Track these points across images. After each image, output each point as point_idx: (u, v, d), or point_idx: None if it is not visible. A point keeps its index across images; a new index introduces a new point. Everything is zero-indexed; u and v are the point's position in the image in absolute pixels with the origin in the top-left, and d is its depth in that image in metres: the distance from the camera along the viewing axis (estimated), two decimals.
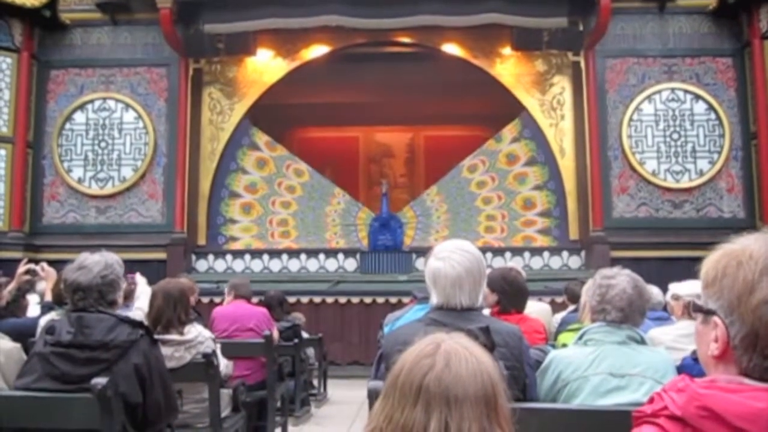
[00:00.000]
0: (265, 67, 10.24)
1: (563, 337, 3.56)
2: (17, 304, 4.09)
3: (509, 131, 10.31)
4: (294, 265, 9.72)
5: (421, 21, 9.08)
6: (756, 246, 1.04)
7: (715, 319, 1.04)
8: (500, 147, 10.26)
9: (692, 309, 1.11)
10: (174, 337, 3.55)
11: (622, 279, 2.39)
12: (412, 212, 10.31)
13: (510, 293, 3.33)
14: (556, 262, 9.52)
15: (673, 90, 9.42)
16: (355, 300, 8.78)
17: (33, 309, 4.31)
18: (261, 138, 10.49)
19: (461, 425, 1.03)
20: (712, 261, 1.08)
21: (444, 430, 1.03)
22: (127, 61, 9.85)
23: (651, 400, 1.07)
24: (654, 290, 4.31)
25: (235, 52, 9.94)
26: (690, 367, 2.63)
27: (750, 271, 1.01)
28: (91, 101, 9.83)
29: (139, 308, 3.63)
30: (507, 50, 9.95)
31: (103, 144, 9.77)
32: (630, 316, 2.35)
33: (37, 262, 9.05)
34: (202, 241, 9.98)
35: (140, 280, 3.88)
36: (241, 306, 5.35)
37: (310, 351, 7.12)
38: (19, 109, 9.48)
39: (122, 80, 9.85)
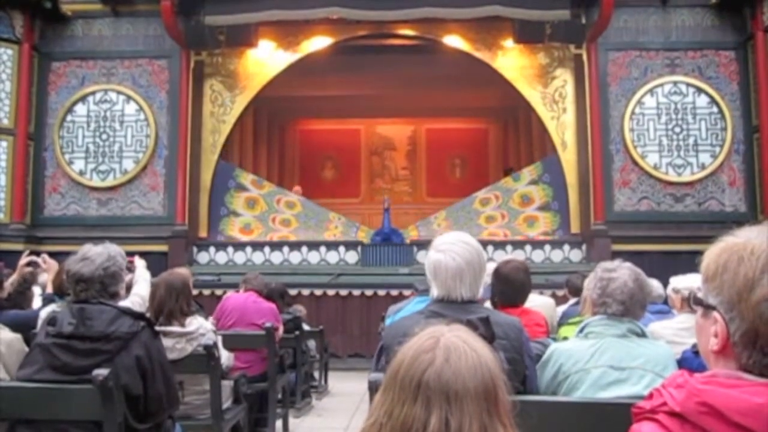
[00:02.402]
0: (266, 59, 10.21)
1: (564, 330, 3.57)
2: (23, 296, 4.08)
3: (529, 172, 10.27)
4: (295, 257, 9.72)
5: (423, 13, 9.04)
6: (758, 241, 1.02)
7: (715, 314, 1.03)
8: (516, 186, 10.19)
9: (693, 301, 1.10)
10: (175, 329, 3.56)
11: (623, 272, 2.39)
12: (417, 231, 10.22)
13: (498, 288, 3.23)
14: (557, 256, 9.51)
15: (675, 83, 9.39)
16: (356, 292, 8.79)
17: (35, 301, 4.32)
18: (246, 178, 10.47)
19: (462, 421, 1.03)
20: (713, 255, 1.06)
21: (444, 426, 1.03)
22: (128, 53, 9.83)
23: (650, 396, 1.06)
24: (655, 284, 4.31)
25: (237, 44, 9.92)
26: (690, 361, 2.63)
27: (751, 268, 1.00)
28: (93, 93, 9.81)
29: (137, 294, 3.59)
30: (509, 43, 9.92)
31: (104, 136, 9.77)
32: (631, 309, 2.35)
33: (38, 254, 9.06)
34: (203, 233, 9.99)
35: (139, 263, 3.80)
36: (251, 298, 5.37)
37: (311, 343, 7.14)
38: (20, 101, 9.47)
39: (123, 72, 9.83)
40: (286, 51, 10.14)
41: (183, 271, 4.40)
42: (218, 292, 8.13)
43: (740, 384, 0.97)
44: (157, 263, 8.23)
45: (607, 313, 2.36)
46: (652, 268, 6.02)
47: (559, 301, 5.76)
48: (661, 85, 9.38)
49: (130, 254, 3.24)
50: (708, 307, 1.05)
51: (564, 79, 9.85)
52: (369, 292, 8.73)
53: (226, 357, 3.95)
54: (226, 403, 3.91)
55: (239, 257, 9.71)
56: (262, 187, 10.52)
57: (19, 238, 9.11)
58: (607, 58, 9.44)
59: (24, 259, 4.11)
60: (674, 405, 1.00)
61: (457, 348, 1.08)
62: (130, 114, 9.75)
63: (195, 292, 5.96)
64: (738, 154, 9.25)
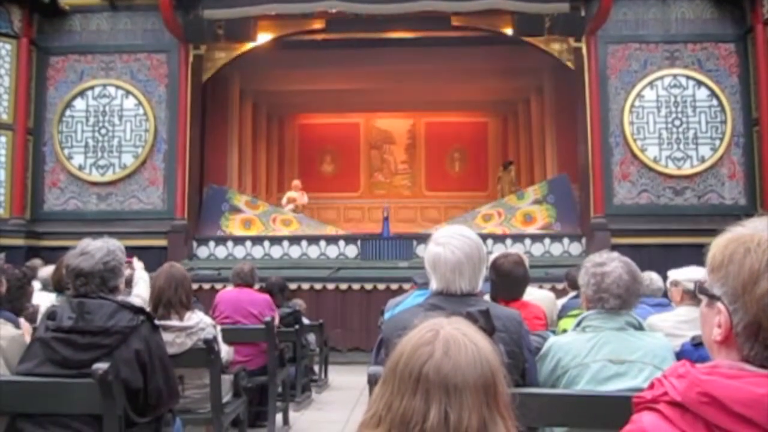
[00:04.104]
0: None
1: (564, 323, 3.57)
2: (22, 290, 4.05)
3: (533, 191, 10.25)
4: (295, 251, 9.72)
5: (422, 6, 9.02)
6: (766, 233, 1.02)
7: (719, 305, 1.03)
8: (520, 205, 10.16)
9: (699, 291, 1.10)
10: (175, 323, 3.56)
11: (615, 265, 2.37)
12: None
13: (498, 283, 3.21)
14: (556, 249, 9.51)
15: (675, 76, 9.36)
16: (355, 286, 8.79)
17: (36, 296, 4.31)
18: (240, 199, 10.48)
19: (461, 414, 1.03)
20: (719, 245, 1.06)
21: (444, 419, 1.02)
22: (127, 47, 9.80)
23: (651, 386, 1.06)
24: (654, 277, 4.31)
25: (236, 38, 9.89)
26: (689, 353, 2.64)
27: (757, 260, 0.99)
28: (91, 88, 9.80)
29: (138, 295, 3.59)
30: (509, 36, 9.88)
31: (103, 131, 9.75)
32: (627, 301, 2.34)
33: (38, 249, 9.07)
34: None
35: (137, 265, 3.80)
36: (244, 291, 5.37)
37: (311, 337, 7.14)
38: (19, 96, 9.45)
39: (122, 66, 9.81)
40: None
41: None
42: (218, 286, 8.13)
43: (742, 375, 0.97)
44: (156, 258, 8.23)
45: (604, 307, 2.35)
46: (651, 261, 6.03)
47: (559, 294, 5.78)
48: (661, 77, 9.36)
49: (129, 252, 3.24)
50: (712, 297, 1.05)
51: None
52: (369, 286, 8.74)
53: (225, 351, 3.96)
54: (226, 397, 3.92)
55: (239, 251, 9.71)
56: (256, 207, 10.53)
57: (19, 233, 9.11)
58: (606, 51, 9.41)
59: None
60: (675, 395, 0.99)
61: (457, 341, 1.07)
62: (129, 108, 9.73)
63: (195, 286, 5.94)
64: (738, 147, 9.24)
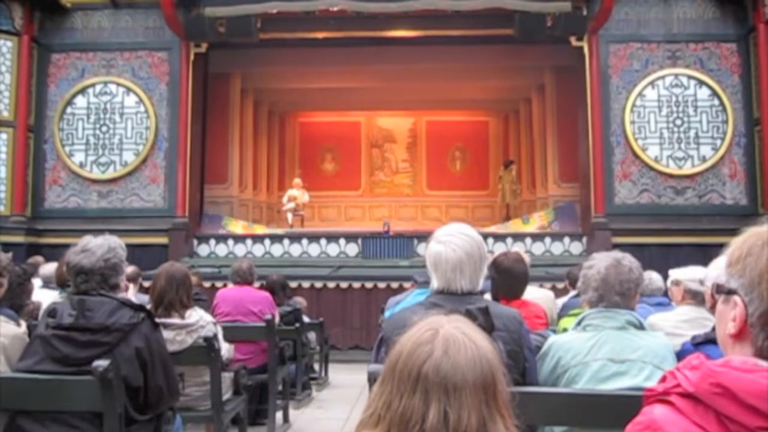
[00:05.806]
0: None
1: (564, 322, 3.57)
2: (23, 287, 4.04)
3: (539, 218, 10.28)
4: (296, 249, 9.72)
5: (424, 5, 9.02)
6: None
7: (735, 298, 1.05)
8: (525, 230, 10.16)
9: (714, 290, 1.12)
10: (175, 320, 3.56)
11: (600, 260, 2.41)
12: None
13: (498, 281, 3.20)
14: (557, 248, 9.51)
15: (676, 76, 9.36)
16: (356, 285, 8.79)
17: (37, 293, 4.30)
18: (236, 225, 10.51)
19: (460, 414, 1.02)
20: (738, 241, 1.08)
21: (443, 418, 1.02)
22: (128, 45, 9.81)
23: (663, 379, 1.07)
24: (654, 276, 4.31)
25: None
26: (689, 353, 2.63)
27: None
28: (92, 85, 9.80)
29: None
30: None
31: (104, 128, 9.75)
32: (605, 295, 2.34)
33: (39, 246, 9.08)
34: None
35: None
36: (244, 289, 5.37)
37: (312, 335, 7.14)
38: (20, 93, 9.46)
39: (123, 64, 9.81)
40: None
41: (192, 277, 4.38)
42: (218, 284, 8.13)
43: (755, 369, 0.98)
44: (157, 255, 8.26)
45: (586, 300, 2.40)
46: (652, 260, 6.04)
47: (560, 293, 5.78)
48: (663, 77, 9.36)
49: (132, 247, 3.23)
50: (729, 292, 1.07)
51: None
52: (369, 285, 8.73)
53: (226, 349, 3.96)
54: (227, 395, 3.92)
55: (240, 249, 9.72)
56: (253, 230, 10.54)
57: (20, 231, 9.11)
58: (608, 50, 9.41)
59: None
60: (688, 386, 1.00)
61: (456, 340, 1.07)
62: (130, 106, 9.73)
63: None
64: (739, 146, 9.23)
